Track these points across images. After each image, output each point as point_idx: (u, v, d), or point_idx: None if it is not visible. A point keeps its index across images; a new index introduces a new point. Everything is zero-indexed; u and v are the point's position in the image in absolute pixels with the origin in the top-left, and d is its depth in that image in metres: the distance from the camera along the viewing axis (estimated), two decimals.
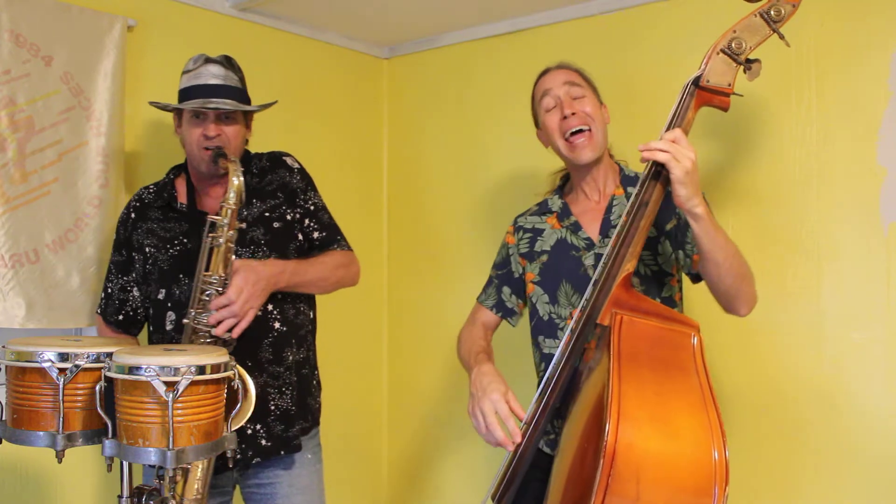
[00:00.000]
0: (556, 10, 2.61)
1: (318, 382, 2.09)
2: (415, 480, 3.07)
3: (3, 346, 1.40)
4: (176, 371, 1.28)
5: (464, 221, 2.92)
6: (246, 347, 1.83)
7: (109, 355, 1.35)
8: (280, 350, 1.93)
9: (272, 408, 1.91)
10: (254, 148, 2.20)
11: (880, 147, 2.02)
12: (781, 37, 1.54)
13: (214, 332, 1.74)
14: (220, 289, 1.76)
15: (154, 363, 1.28)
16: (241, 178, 1.80)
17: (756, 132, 2.22)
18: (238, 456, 1.85)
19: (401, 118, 3.13)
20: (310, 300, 2.06)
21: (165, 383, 1.27)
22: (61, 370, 1.34)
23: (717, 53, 1.53)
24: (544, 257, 1.85)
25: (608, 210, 1.79)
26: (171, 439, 1.27)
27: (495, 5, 2.64)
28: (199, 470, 1.69)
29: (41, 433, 1.36)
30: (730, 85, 1.54)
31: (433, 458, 3.00)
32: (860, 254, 2.05)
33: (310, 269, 1.93)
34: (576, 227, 1.82)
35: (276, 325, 1.93)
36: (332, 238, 2.05)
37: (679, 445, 1.31)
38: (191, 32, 2.47)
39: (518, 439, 1.55)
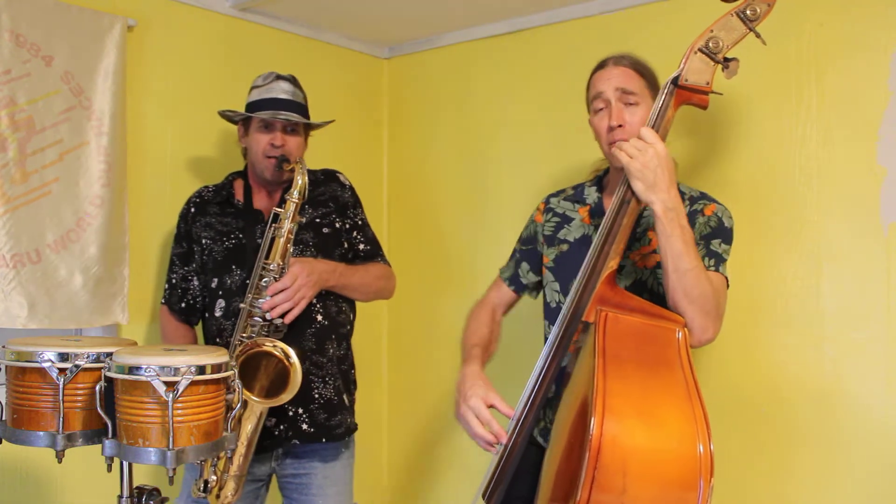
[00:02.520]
0: (556, 10, 2.61)
1: (355, 382, 2.19)
2: (415, 480, 3.07)
3: (3, 346, 1.40)
4: (176, 371, 1.28)
5: (463, 221, 2.92)
6: (291, 335, 1.95)
7: (109, 355, 1.35)
8: (322, 342, 2.04)
9: (315, 395, 2.01)
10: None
11: (880, 147, 2.02)
12: (758, 35, 1.54)
13: (269, 315, 1.89)
14: (277, 276, 1.91)
15: (154, 363, 1.28)
16: (306, 178, 1.96)
17: (756, 132, 2.22)
18: (280, 436, 1.97)
19: (401, 118, 3.13)
20: (350, 303, 2.17)
21: (165, 383, 1.27)
22: (61, 370, 1.34)
23: (695, 53, 1.54)
24: (564, 246, 1.85)
25: (637, 222, 1.73)
26: (171, 439, 1.27)
27: (495, 5, 2.64)
28: (242, 447, 1.83)
29: (41, 433, 1.36)
30: (708, 83, 1.54)
31: (433, 458, 3.00)
32: (860, 254, 2.05)
33: (356, 274, 2.10)
34: None
35: (319, 317, 2.04)
36: (376, 252, 2.22)
37: (664, 439, 1.32)
38: (191, 32, 2.47)
39: (503, 439, 1.57)
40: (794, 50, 2.14)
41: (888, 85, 2.01)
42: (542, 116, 2.69)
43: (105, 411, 1.32)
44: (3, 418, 1.41)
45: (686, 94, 1.55)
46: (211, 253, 2.06)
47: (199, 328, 2.17)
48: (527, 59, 2.73)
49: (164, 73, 2.39)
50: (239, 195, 2.12)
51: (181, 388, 1.27)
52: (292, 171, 1.97)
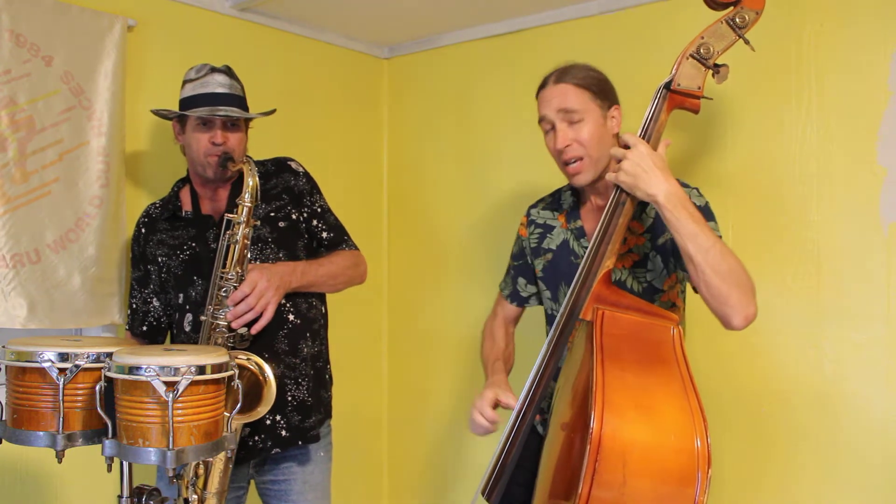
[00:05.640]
0: (556, 10, 2.61)
1: (331, 377, 2.15)
2: (415, 480, 3.07)
3: (3, 346, 1.40)
4: (176, 371, 1.28)
5: (463, 221, 2.92)
6: (262, 339, 1.89)
7: (109, 355, 1.35)
8: (295, 342, 1.98)
9: (289, 398, 1.96)
10: (254, 146, 2.21)
11: (880, 147, 2.02)
12: (747, 42, 1.58)
13: (233, 325, 1.80)
14: (237, 285, 1.82)
15: (154, 363, 1.28)
16: (256, 178, 1.85)
17: (756, 132, 2.22)
18: (260, 446, 1.91)
19: (401, 118, 3.13)
20: (320, 296, 2.12)
21: (165, 383, 1.27)
22: (61, 370, 1.34)
23: (687, 58, 1.58)
24: (549, 255, 1.87)
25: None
26: (171, 439, 1.27)
27: (495, 5, 2.64)
28: (220, 462, 1.74)
29: (41, 433, 1.36)
30: (699, 88, 1.59)
31: (433, 458, 3.00)
32: (860, 254, 2.05)
33: (320, 268, 2.00)
34: (580, 233, 1.82)
35: (291, 317, 1.98)
36: (340, 238, 2.12)
37: (662, 432, 1.36)
38: (191, 32, 2.47)
39: (489, 423, 1.68)
40: (795, 50, 2.14)
41: (888, 85, 2.01)
42: None
43: (105, 411, 1.32)
44: (3, 418, 1.41)
45: (678, 98, 1.59)
46: (169, 269, 1.99)
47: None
48: (527, 59, 2.72)
49: (163, 73, 2.39)
50: (186, 205, 2.04)
51: (181, 388, 1.27)
52: (239, 169, 1.88)
